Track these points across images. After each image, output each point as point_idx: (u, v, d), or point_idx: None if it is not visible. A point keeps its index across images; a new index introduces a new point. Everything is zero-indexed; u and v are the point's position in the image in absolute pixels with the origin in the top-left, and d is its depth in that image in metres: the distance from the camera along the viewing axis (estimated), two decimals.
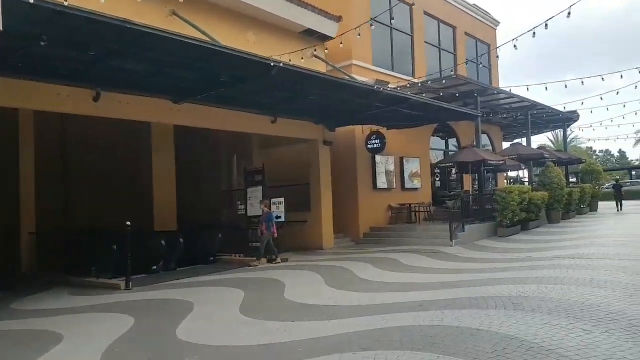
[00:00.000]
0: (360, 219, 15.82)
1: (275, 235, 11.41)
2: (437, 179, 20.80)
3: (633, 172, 58.11)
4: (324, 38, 14.42)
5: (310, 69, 9.59)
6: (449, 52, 20.54)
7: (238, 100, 11.23)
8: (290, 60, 9.43)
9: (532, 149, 20.45)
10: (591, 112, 17.77)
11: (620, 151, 75.74)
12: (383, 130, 15.70)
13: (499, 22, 23.27)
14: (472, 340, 4.85)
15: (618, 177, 29.17)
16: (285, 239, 14.13)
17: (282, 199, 11.76)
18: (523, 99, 18.31)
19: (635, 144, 47.55)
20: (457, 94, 15.68)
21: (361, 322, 5.80)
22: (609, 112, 21.16)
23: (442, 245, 13.14)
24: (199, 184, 16.44)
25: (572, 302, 6.09)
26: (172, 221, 13.58)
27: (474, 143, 16.78)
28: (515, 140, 23.61)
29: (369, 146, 15.82)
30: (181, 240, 10.93)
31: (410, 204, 17.09)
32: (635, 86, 12.88)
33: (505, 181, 28.42)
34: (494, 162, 15.62)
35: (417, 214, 17.17)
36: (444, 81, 15.31)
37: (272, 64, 8.60)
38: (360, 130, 16.06)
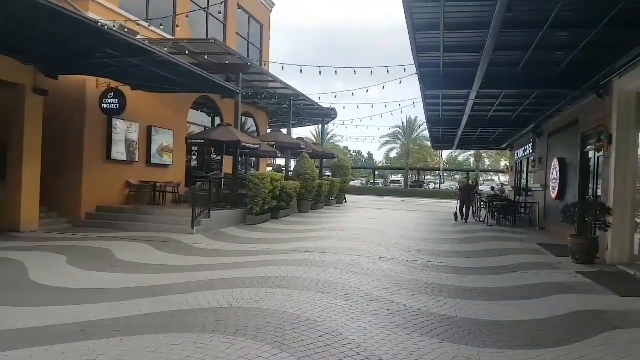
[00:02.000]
0: (84, 195, 12.54)
1: None
2: (195, 157, 18.81)
3: (377, 172, 68.63)
4: None
5: None
6: (218, 20, 18.61)
7: None
8: None
9: (292, 138, 20.38)
10: (344, 107, 18.54)
11: (369, 153, 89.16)
12: (126, 89, 12.75)
13: (274, 4, 22.61)
14: None
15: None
16: None
17: None
18: (287, 86, 17.85)
19: (380, 147, 55.54)
20: (204, 56, 13.59)
21: None
22: (359, 111, 22.93)
23: (182, 232, 11.29)
24: None
25: (287, 317, 4.88)
26: None
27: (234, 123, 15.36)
28: (281, 130, 23.45)
29: (104, 106, 12.62)
30: None
31: (156, 183, 14.62)
32: (383, 86, 13.50)
33: (269, 168, 28.47)
34: (250, 145, 14.46)
35: (163, 194, 14.85)
36: (202, 45, 13.26)
37: None
38: (94, 84, 12.71)
